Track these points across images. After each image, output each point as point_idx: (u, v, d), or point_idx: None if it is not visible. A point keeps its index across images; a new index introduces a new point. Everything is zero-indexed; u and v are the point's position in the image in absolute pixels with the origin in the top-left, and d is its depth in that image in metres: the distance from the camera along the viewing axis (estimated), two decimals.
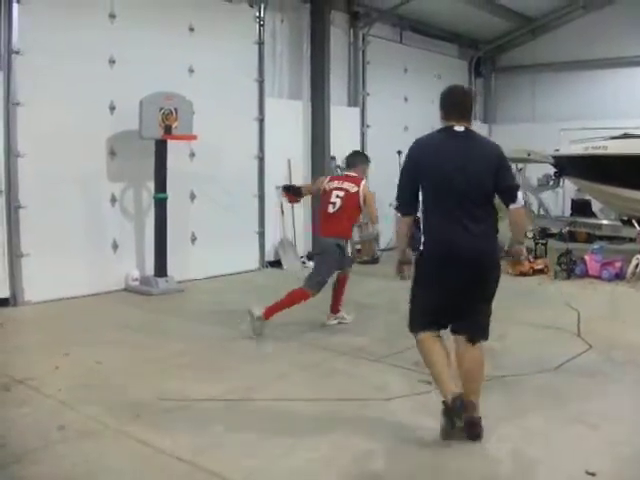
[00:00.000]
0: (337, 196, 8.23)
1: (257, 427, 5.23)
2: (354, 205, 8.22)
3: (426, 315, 5.14)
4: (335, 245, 8.16)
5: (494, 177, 5.01)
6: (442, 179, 5.03)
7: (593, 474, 4.43)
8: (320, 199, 8.54)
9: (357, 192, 8.19)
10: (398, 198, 5.34)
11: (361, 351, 7.37)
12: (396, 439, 5.01)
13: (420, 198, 5.19)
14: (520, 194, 5.11)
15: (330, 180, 8.51)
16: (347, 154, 8.92)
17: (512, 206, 5.07)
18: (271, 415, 5.52)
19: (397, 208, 5.37)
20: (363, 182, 8.30)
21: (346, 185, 8.30)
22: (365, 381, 6.41)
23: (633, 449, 4.89)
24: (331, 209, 8.23)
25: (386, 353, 7.20)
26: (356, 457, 4.72)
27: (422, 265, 5.13)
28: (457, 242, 4.94)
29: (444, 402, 4.92)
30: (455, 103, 5.32)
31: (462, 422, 4.85)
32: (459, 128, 5.16)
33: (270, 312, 7.92)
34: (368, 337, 7.99)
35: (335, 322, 8.59)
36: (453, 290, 5.01)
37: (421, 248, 5.10)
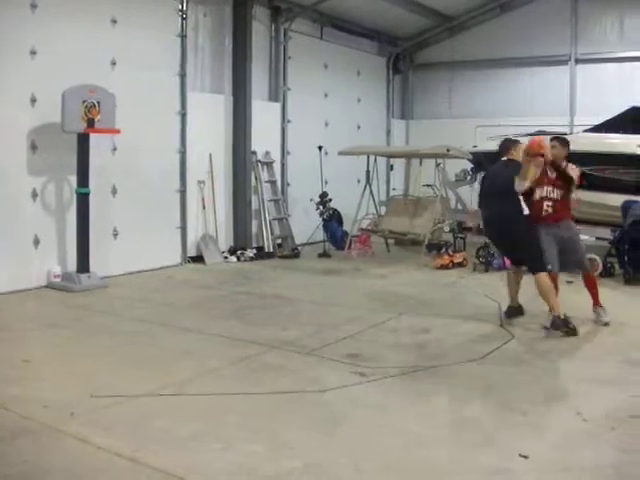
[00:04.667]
0: None
1: (195, 422, 5.23)
2: None
3: None
4: None
5: None
6: None
7: (526, 457, 4.63)
8: None
9: None
10: None
11: (291, 345, 7.42)
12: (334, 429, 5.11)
13: None
14: None
15: None
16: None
17: None
18: (207, 410, 5.52)
19: None
20: None
21: None
22: (298, 374, 6.47)
23: (560, 433, 5.09)
24: None
25: (317, 346, 7.29)
26: (295, 450, 4.77)
27: None
28: None
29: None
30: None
31: None
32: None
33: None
34: (297, 331, 8.02)
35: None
36: None
37: None
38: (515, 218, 8.14)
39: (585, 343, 7.58)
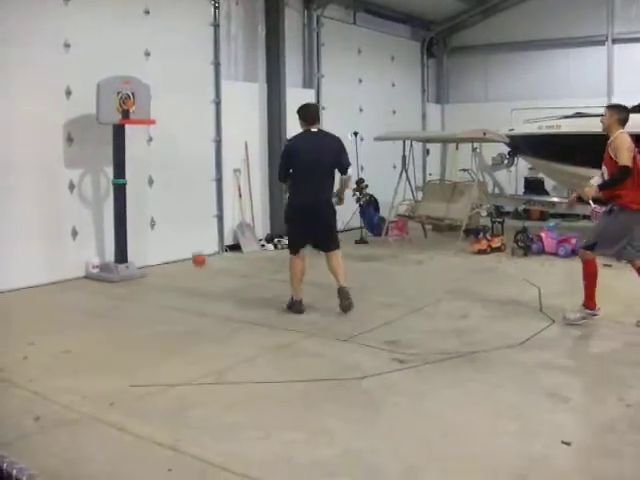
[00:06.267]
0: None
1: (234, 410, 5.24)
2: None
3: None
4: None
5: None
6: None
7: (568, 444, 4.56)
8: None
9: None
10: None
11: (328, 332, 7.41)
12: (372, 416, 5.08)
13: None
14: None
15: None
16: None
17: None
18: (246, 398, 5.52)
19: None
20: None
21: None
22: (336, 361, 6.45)
23: (603, 420, 5.02)
24: None
25: (354, 333, 7.26)
26: (334, 438, 4.75)
27: None
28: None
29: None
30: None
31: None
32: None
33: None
34: (335, 317, 8.02)
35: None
36: None
37: None
38: (332, 206, 8.29)
39: (626, 328, 7.45)
